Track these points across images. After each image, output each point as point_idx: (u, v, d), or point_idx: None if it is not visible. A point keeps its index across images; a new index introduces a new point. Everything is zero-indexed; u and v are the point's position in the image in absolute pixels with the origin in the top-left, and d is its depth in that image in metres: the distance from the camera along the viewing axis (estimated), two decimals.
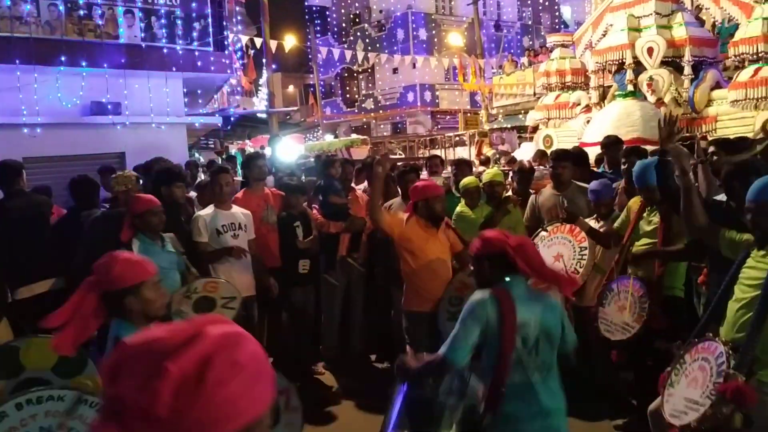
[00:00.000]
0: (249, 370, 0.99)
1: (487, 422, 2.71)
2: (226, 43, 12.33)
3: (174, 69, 11.12)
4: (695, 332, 3.04)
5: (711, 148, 4.82)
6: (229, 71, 12.57)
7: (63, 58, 10.01)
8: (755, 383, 2.70)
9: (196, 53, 11.41)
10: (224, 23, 12.17)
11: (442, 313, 4.34)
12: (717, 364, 2.70)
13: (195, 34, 11.41)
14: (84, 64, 10.24)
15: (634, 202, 4.47)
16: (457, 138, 21.99)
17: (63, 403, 2.78)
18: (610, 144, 6.22)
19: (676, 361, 3.01)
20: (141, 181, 5.88)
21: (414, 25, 34.18)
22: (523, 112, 18.75)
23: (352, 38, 37.07)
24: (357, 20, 37.79)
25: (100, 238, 4.61)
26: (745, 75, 9.82)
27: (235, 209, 5.31)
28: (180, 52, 11.20)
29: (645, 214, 4.32)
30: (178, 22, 11.21)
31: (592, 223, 4.76)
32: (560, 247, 4.76)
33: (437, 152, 18.53)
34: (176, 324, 1.01)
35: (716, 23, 11.86)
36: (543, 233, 5.00)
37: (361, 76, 38.19)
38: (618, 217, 4.66)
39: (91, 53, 10.36)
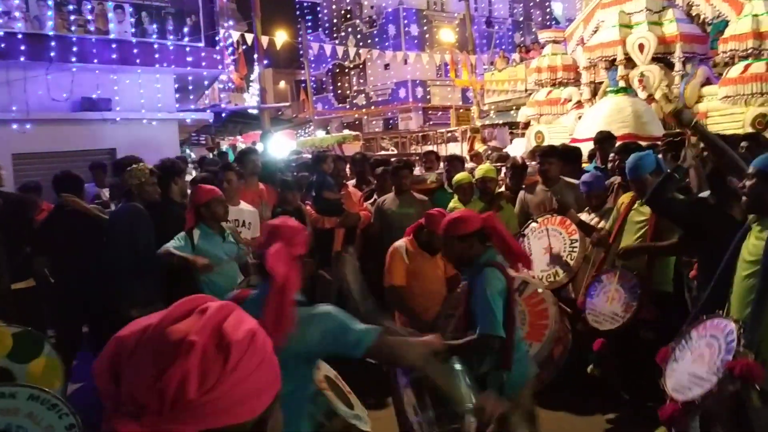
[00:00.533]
0: (261, 339, 0.93)
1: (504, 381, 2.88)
2: (217, 38, 12.28)
3: (165, 65, 11.09)
4: (696, 312, 3.06)
5: (701, 144, 4.84)
6: (220, 67, 12.53)
7: (52, 54, 9.95)
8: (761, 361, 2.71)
9: (187, 49, 11.38)
10: (215, 19, 12.12)
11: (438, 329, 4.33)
12: (726, 342, 2.70)
13: (186, 29, 11.37)
14: (74, 59, 10.18)
15: (626, 197, 4.50)
16: (449, 134, 22.00)
17: (14, 400, 2.73)
18: (603, 139, 6.26)
19: (681, 336, 3.03)
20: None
21: (405, 21, 34.15)
22: (514, 108, 18.75)
23: (343, 34, 36.99)
24: (348, 16, 37.71)
25: (141, 231, 4.61)
26: (735, 71, 9.86)
27: (243, 206, 5.29)
28: (171, 47, 11.15)
29: (635, 207, 4.36)
30: (169, 17, 11.17)
31: (583, 216, 4.79)
32: (551, 239, 4.78)
33: (429, 148, 18.52)
34: (174, 307, 0.93)
35: (706, 20, 11.90)
36: (533, 224, 5.03)
37: (352, 72, 38.12)
38: (610, 209, 4.70)
39: (80, 49, 10.31)
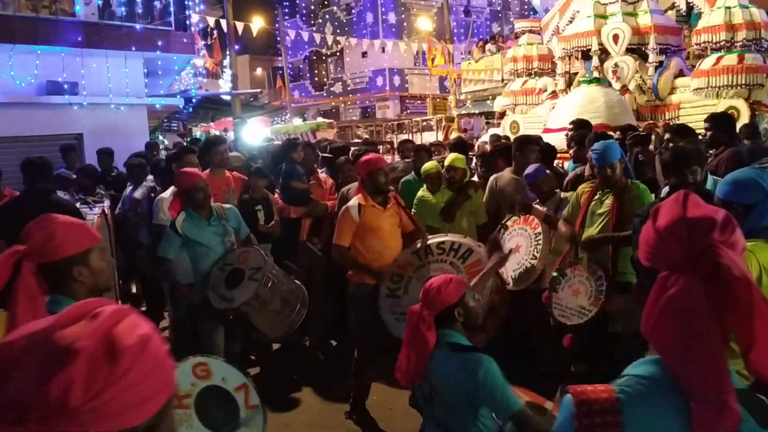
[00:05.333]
0: (154, 344, 0.92)
1: None
2: (188, 23, 12.03)
3: (133, 48, 10.82)
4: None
5: (667, 135, 4.85)
6: (192, 52, 12.28)
7: (16, 36, 9.65)
8: None
9: (157, 32, 11.12)
10: (186, 2, 11.86)
11: (383, 289, 4.39)
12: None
13: (155, 12, 11.12)
14: (38, 41, 9.89)
15: (585, 187, 4.47)
16: (425, 123, 21.93)
17: None
18: (580, 127, 6.29)
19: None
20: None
21: (383, 9, 33.95)
22: (491, 97, 18.76)
23: (320, 21, 36.69)
24: (326, 3, 37.39)
25: None
26: (707, 63, 9.92)
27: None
28: (139, 30, 10.89)
29: (597, 197, 4.32)
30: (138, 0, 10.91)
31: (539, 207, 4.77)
32: (518, 239, 4.76)
33: (405, 137, 18.45)
34: (69, 309, 0.91)
35: (680, 11, 11.94)
36: (504, 230, 5.00)
37: (329, 60, 37.84)
38: (564, 200, 4.71)
39: (46, 31, 10.03)
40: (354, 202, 4.54)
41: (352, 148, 7.21)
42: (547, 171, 5.09)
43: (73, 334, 0.85)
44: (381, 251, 4.51)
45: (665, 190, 3.86)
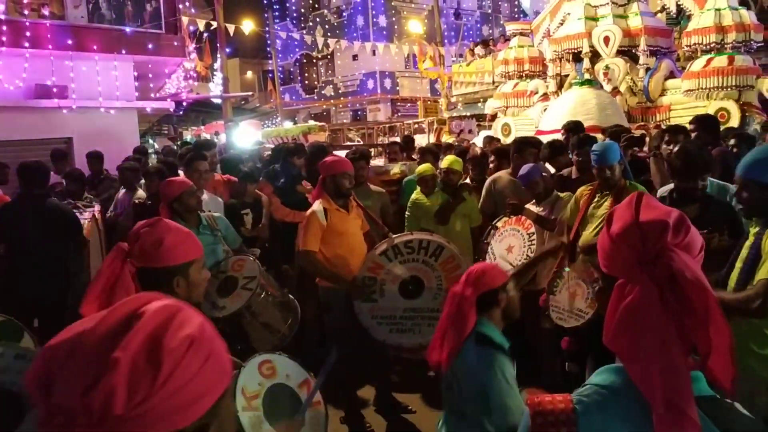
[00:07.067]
0: (203, 343, 0.89)
1: None
2: (178, 25, 11.95)
3: (123, 51, 10.74)
4: None
5: (666, 137, 4.87)
6: (182, 55, 12.19)
7: (4, 39, 9.56)
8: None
9: (147, 35, 11.04)
10: (177, 5, 11.78)
11: (355, 296, 4.33)
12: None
13: (146, 15, 11.03)
14: (27, 45, 9.79)
15: (584, 189, 4.45)
16: (416, 125, 21.92)
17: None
18: (573, 129, 6.29)
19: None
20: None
21: (374, 12, 33.94)
22: (482, 100, 18.78)
23: (311, 24, 36.63)
24: (316, 6, 37.35)
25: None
26: (697, 65, 9.97)
27: (206, 196, 5.12)
28: (129, 33, 10.81)
29: (595, 200, 4.31)
30: (128, 2, 10.82)
31: (533, 208, 4.75)
32: (511, 239, 4.74)
33: (397, 140, 18.41)
34: (102, 312, 0.89)
35: (671, 14, 12.00)
36: (494, 230, 4.98)
37: (320, 63, 37.80)
38: (559, 199, 4.70)
39: (34, 34, 9.92)
40: (318, 206, 4.40)
41: (345, 152, 7.18)
42: (548, 171, 5.08)
43: (115, 338, 0.84)
44: (346, 255, 4.42)
45: (661, 190, 3.86)
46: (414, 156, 7.79)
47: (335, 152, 6.41)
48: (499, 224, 4.92)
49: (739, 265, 2.91)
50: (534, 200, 4.85)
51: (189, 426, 0.86)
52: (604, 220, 1.31)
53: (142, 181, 6.65)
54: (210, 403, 0.89)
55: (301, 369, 2.75)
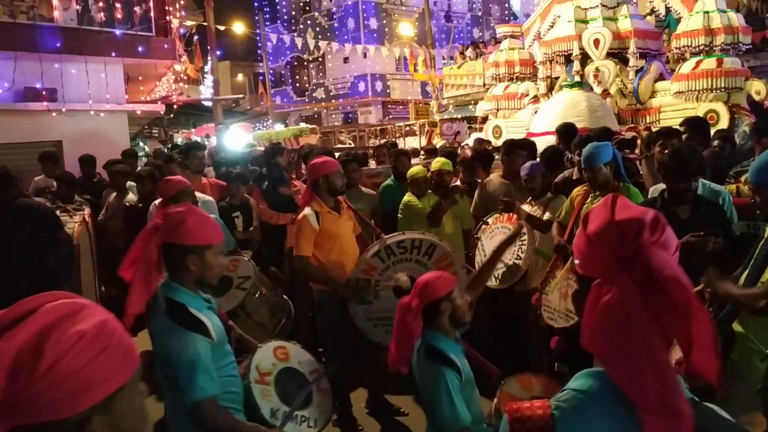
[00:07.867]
0: (96, 339, 0.95)
1: None
2: (168, 28, 11.91)
3: (113, 54, 10.69)
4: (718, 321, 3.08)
5: (660, 140, 4.91)
6: (172, 58, 12.15)
7: None
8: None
9: (137, 38, 11.00)
10: (167, 8, 11.74)
11: (350, 299, 4.33)
12: None
13: (135, 18, 10.99)
14: (16, 47, 9.73)
15: (577, 191, 4.47)
16: (407, 128, 21.94)
17: None
18: (565, 131, 6.32)
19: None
20: None
21: (365, 15, 33.97)
22: (473, 102, 18.82)
23: (302, 26, 36.61)
24: (307, 8, 37.35)
25: None
26: (687, 67, 10.02)
27: (201, 198, 5.09)
28: (119, 36, 10.76)
29: (589, 201, 4.32)
30: (117, 5, 10.77)
31: (527, 207, 4.76)
32: (501, 237, 4.73)
33: (383, 143, 18.41)
34: (15, 305, 0.96)
35: (660, 16, 12.07)
36: (484, 226, 4.99)
37: (311, 65, 37.79)
38: (553, 199, 4.71)
39: (23, 36, 9.86)
40: (309, 210, 4.32)
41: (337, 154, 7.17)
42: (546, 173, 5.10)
43: (4, 331, 0.91)
44: (339, 258, 4.38)
45: (652, 190, 3.87)
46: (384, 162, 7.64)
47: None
48: (490, 220, 4.93)
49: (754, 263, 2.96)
50: (529, 198, 4.86)
51: (74, 416, 0.91)
52: (580, 222, 1.31)
53: (132, 183, 6.62)
54: (100, 396, 0.93)
55: (314, 360, 3.08)
